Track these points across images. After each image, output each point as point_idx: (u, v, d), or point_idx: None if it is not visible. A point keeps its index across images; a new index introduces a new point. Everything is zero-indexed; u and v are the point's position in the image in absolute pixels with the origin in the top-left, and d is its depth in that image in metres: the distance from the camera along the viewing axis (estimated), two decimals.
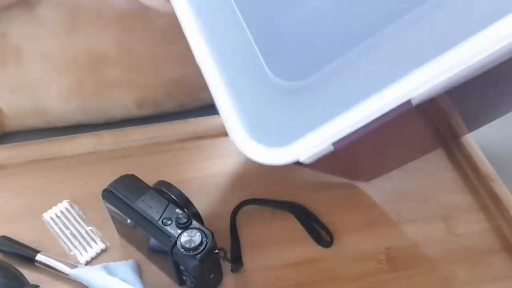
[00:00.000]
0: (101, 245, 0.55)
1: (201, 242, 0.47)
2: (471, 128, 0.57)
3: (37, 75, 0.65)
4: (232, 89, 0.36)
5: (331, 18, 0.34)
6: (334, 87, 0.33)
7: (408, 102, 0.30)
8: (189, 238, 0.47)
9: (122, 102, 0.69)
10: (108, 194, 0.51)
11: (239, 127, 0.35)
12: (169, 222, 0.48)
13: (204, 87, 0.76)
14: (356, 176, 0.61)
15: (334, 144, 0.32)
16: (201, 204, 0.53)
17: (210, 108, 0.73)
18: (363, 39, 0.33)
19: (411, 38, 0.31)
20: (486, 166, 0.62)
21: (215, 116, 0.69)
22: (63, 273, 0.52)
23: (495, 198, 0.59)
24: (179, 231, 0.48)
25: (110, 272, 0.51)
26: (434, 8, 0.31)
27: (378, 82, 0.31)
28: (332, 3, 0.34)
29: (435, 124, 0.52)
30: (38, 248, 0.54)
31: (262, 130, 0.34)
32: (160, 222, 0.49)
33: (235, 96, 0.36)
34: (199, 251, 0.47)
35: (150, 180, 0.53)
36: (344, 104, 0.32)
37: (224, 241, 0.55)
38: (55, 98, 0.67)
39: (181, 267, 0.48)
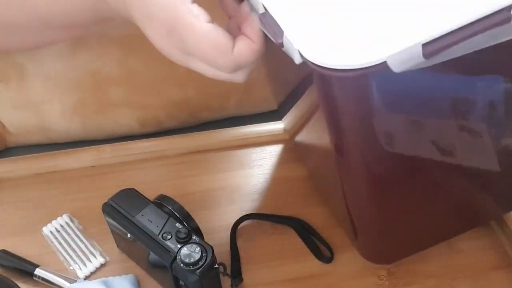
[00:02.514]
0: (101, 260, 0.55)
1: (201, 257, 0.47)
2: None
3: (40, 93, 0.65)
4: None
5: None
6: None
7: (508, 9, 0.28)
8: (189, 252, 0.47)
9: (125, 122, 0.69)
10: (108, 208, 0.51)
11: (310, 36, 0.32)
12: (169, 236, 0.48)
13: (206, 107, 0.75)
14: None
15: (424, 46, 0.30)
16: (201, 218, 0.52)
17: (211, 125, 0.72)
18: None
19: None
20: None
21: (216, 130, 0.69)
22: None
23: None
24: (179, 246, 0.47)
25: (109, 287, 0.51)
26: None
27: None
28: None
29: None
30: (37, 263, 0.54)
31: (334, 38, 0.31)
32: (160, 236, 0.48)
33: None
34: (199, 266, 0.46)
35: (151, 194, 0.53)
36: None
37: (224, 256, 0.55)
38: (57, 117, 0.67)
39: (181, 282, 0.48)
